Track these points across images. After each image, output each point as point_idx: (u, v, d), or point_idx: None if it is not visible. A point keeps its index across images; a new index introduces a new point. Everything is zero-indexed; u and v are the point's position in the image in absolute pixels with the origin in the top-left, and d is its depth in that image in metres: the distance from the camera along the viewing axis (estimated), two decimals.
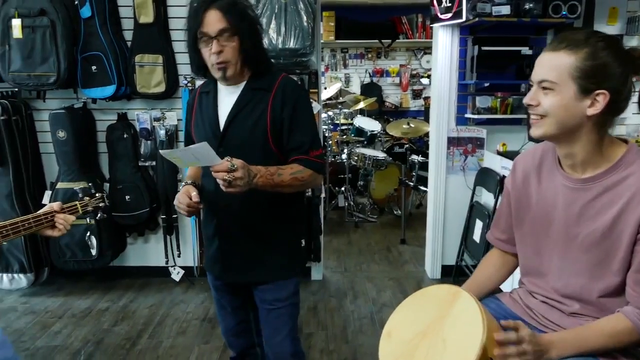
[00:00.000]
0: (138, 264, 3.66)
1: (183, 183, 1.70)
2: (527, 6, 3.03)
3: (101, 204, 1.88)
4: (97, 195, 1.88)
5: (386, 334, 1.30)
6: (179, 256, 3.55)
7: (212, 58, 1.53)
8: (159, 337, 2.90)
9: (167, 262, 3.56)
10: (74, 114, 3.26)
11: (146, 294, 3.45)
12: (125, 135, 3.36)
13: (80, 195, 1.84)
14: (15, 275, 3.31)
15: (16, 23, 2.99)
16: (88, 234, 3.26)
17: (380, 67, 7.35)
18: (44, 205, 1.74)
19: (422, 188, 4.59)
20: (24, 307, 3.28)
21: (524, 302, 1.40)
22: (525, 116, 3.25)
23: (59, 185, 3.28)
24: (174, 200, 1.65)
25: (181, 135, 3.40)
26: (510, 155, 3.08)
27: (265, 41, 3.02)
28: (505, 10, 3.01)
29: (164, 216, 3.46)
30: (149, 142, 3.39)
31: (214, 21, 1.51)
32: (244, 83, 1.64)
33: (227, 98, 1.66)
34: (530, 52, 3.17)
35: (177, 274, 3.58)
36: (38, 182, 3.41)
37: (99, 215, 1.90)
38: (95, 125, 3.44)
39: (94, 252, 3.28)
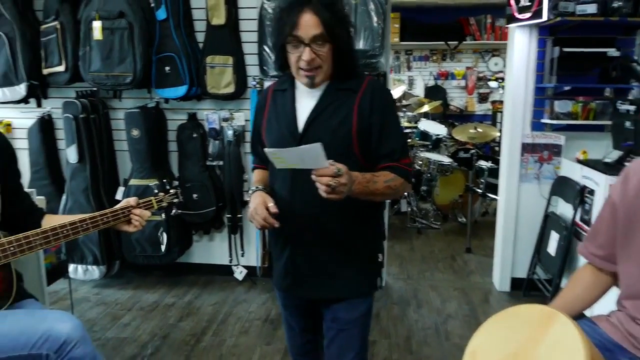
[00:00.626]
0: (203, 262, 3.72)
1: (252, 188, 1.59)
2: (615, 4, 2.82)
3: (175, 200, 1.89)
4: (171, 191, 1.89)
5: (470, 354, 1.21)
6: (242, 255, 3.57)
7: (301, 64, 1.42)
8: (222, 335, 2.92)
9: (230, 261, 3.60)
10: (147, 113, 3.34)
11: (210, 292, 3.49)
12: (194, 135, 3.41)
13: (155, 191, 1.86)
14: (89, 267, 3.44)
15: (97, 25, 3.10)
16: (161, 230, 3.33)
17: (445, 70, 7.16)
18: (118, 201, 1.77)
19: (491, 196, 4.40)
20: (96, 298, 3.40)
21: (625, 328, 1.27)
22: (609, 122, 3.03)
23: (132, 182, 3.38)
24: (249, 211, 1.52)
25: (248, 136, 3.42)
26: (592, 164, 2.88)
27: None
28: (591, 9, 2.82)
29: (229, 215, 3.49)
30: (217, 142, 3.43)
31: (309, 25, 1.38)
32: (327, 82, 1.52)
33: (306, 97, 1.53)
34: (617, 53, 2.95)
35: (240, 273, 3.60)
36: (112, 179, 3.52)
37: (173, 211, 1.91)
38: (167, 124, 3.52)
39: (163, 248, 3.35)
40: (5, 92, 3.25)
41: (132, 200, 1.72)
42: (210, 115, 3.42)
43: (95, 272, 3.44)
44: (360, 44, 3.10)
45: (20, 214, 1.64)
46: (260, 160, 1.73)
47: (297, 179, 1.48)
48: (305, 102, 1.54)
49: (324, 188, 1.29)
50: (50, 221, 1.65)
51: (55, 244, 1.55)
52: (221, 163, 3.44)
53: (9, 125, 3.56)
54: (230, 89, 3.25)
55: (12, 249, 1.43)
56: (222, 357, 2.70)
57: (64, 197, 3.42)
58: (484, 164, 4.68)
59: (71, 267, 3.42)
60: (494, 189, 4.20)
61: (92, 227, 1.62)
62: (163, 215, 3.12)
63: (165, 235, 3.33)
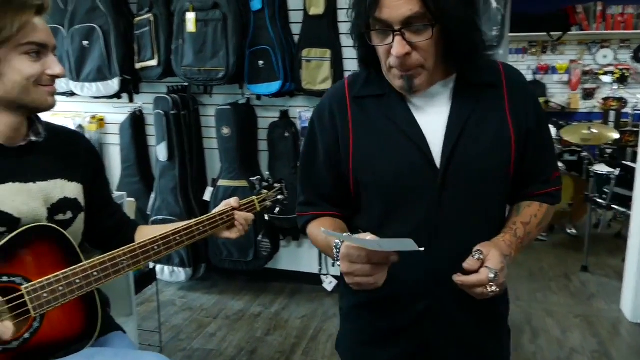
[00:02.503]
0: (290, 269, 3.46)
1: (337, 242, 0.96)
2: None
3: (280, 196, 1.59)
4: (275, 186, 1.59)
5: None
6: (332, 265, 3.27)
7: (392, 60, 0.97)
8: (313, 355, 2.63)
9: (320, 270, 3.31)
10: (238, 110, 3.11)
11: (298, 302, 3.22)
12: (286, 134, 3.15)
13: (256, 187, 1.56)
14: (176, 269, 3.28)
15: (190, 17, 2.90)
16: (261, 235, 3.10)
17: (546, 63, 6.47)
18: (206, 202, 1.52)
19: (619, 209, 3.76)
20: (181, 301, 3.24)
21: None
22: None
23: (220, 182, 3.17)
24: (342, 265, 0.92)
25: None
26: None
27: None
28: None
29: None
30: None
31: (399, 1, 0.92)
32: (450, 78, 1.06)
33: (426, 102, 1.06)
34: None
35: (329, 284, 3.30)
36: (201, 178, 3.34)
37: (277, 209, 1.61)
38: (257, 122, 3.28)
39: (266, 253, 3.13)
40: (99, 86, 3.14)
41: (233, 202, 1.44)
42: (303, 113, 3.13)
43: (181, 274, 3.28)
44: None
45: (112, 229, 1.41)
46: (326, 201, 1.17)
47: (440, 228, 1.05)
48: (428, 109, 1.06)
49: (481, 294, 0.93)
50: (143, 234, 1.42)
51: (145, 262, 1.30)
52: None
53: (102, 120, 3.47)
54: (327, 85, 2.94)
55: (95, 274, 1.19)
56: None
57: (152, 196, 3.28)
58: (603, 169, 4.06)
59: (158, 267, 3.27)
60: (621, 200, 3.61)
61: (187, 240, 1.37)
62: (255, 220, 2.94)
63: (268, 242, 3.10)
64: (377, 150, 1.07)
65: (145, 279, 2.45)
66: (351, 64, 3.01)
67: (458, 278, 0.94)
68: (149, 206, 3.27)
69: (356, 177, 1.10)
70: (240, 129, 3.10)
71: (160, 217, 3.19)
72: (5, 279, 1.09)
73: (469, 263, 0.95)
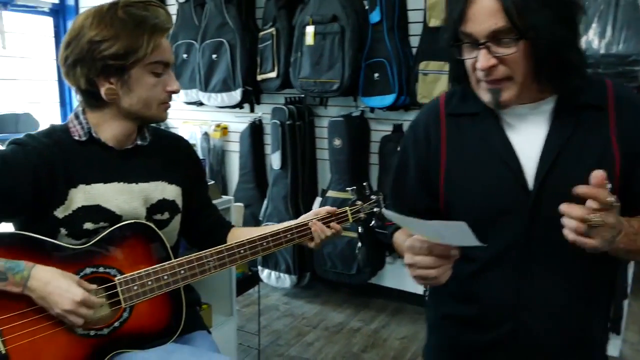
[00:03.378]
0: (394, 286, 3.35)
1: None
2: None
3: (375, 209, 1.53)
4: (372, 198, 1.53)
5: None
6: None
7: (478, 73, 0.97)
8: None
9: (425, 292, 3.14)
10: (351, 122, 3.10)
11: (399, 322, 3.10)
12: (398, 148, 3.05)
13: (352, 197, 1.51)
14: (281, 275, 3.35)
15: (309, 30, 2.96)
16: (357, 248, 3.06)
17: None
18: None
19: None
20: (284, 307, 3.29)
21: None
22: None
23: (329, 193, 3.17)
24: (405, 257, 0.95)
25: None
26: None
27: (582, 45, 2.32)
28: None
29: None
30: None
31: (483, 15, 0.91)
32: (550, 98, 1.01)
33: (524, 122, 1.02)
34: None
35: None
36: (311, 188, 3.38)
37: (373, 222, 1.54)
38: (370, 135, 3.24)
39: (361, 264, 3.07)
40: (224, 97, 3.34)
41: (322, 211, 1.41)
42: None
43: (286, 280, 3.34)
44: (620, 47, 2.38)
45: (208, 229, 1.46)
46: (414, 214, 1.05)
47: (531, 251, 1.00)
48: (522, 129, 1.02)
49: (576, 225, 0.80)
50: (234, 236, 1.45)
51: (231, 265, 1.32)
52: None
53: (225, 128, 3.68)
54: None
55: (182, 272, 1.23)
56: None
57: (265, 202, 3.39)
58: None
59: (265, 272, 3.37)
60: None
61: (274, 246, 1.36)
62: (358, 232, 2.88)
63: (364, 252, 3.04)
64: (468, 170, 1.07)
65: (248, 281, 2.52)
66: None
67: (579, 189, 0.82)
68: (261, 212, 3.39)
69: (446, 195, 1.10)
70: (352, 141, 3.08)
71: (270, 224, 3.29)
72: (102, 269, 1.17)
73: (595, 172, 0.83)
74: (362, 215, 1.50)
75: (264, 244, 1.35)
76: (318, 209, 1.45)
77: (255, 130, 3.49)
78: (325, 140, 3.25)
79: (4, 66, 3.92)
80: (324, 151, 3.34)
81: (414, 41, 2.97)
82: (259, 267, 3.37)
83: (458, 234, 0.84)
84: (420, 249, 0.89)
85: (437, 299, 0.96)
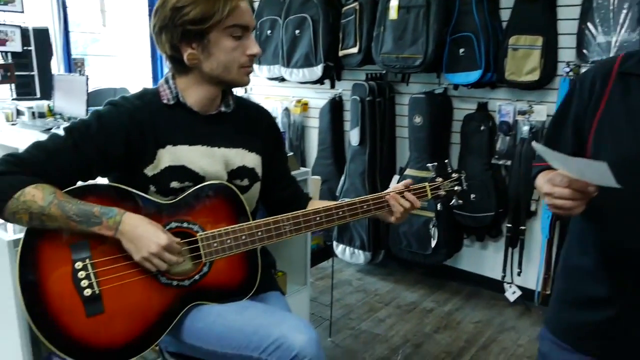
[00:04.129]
0: (470, 270, 3.26)
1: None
2: None
3: (457, 188, 1.48)
4: (453, 175, 1.48)
5: None
6: (518, 274, 2.97)
7: None
8: None
9: (503, 277, 3.03)
10: (433, 100, 3.02)
11: (473, 306, 3.01)
12: (482, 128, 2.94)
13: (432, 174, 1.48)
14: (356, 251, 3.37)
15: (393, 4, 2.90)
16: (431, 225, 3.00)
17: None
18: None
19: None
20: (357, 283, 3.31)
21: None
22: None
23: (407, 171, 3.12)
24: (545, 187, 1.03)
25: None
26: None
27: None
28: None
29: (509, 225, 2.92)
30: (507, 137, 2.88)
31: None
32: None
33: None
34: None
35: (512, 294, 3.01)
36: (389, 165, 3.35)
37: (453, 200, 1.50)
38: (452, 113, 3.14)
39: (433, 243, 3.01)
40: (305, 72, 3.36)
41: (402, 185, 1.39)
42: (503, 106, 2.88)
43: (360, 256, 3.35)
44: None
45: (286, 199, 1.49)
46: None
47: None
48: None
49: None
50: (313, 207, 1.46)
51: (306, 231, 1.34)
52: (509, 163, 2.88)
53: (305, 104, 3.73)
54: (534, 76, 2.65)
55: (259, 234, 1.27)
56: None
57: (342, 178, 3.40)
58: None
59: (340, 247, 3.40)
60: None
61: (350, 216, 1.36)
62: (435, 210, 2.82)
63: (436, 231, 2.97)
64: (621, 129, 1.06)
65: (322, 254, 2.56)
66: (566, 54, 2.66)
67: None
68: (338, 188, 3.41)
69: (595, 149, 1.10)
70: (433, 119, 3.00)
71: (346, 200, 3.30)
72: (185, 224, 1.23)
73: None
74: (441, 192, 1.46)
75: (340, 212, 1.36)
76: (397, 184, 1.43)
77: (335, 106, 3.50)
78: (405, 118, 3.19)
79: (103, 44, 4.21)
80: (403, 129, 3.28)
81: (505, 14, 2.81)
82: (334, 242, 3.40)
83: (598, 173, 0.89)
84: (561, 181, 0.97)
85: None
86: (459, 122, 3.06)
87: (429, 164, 1.51)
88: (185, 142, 1.27)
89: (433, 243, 3.01)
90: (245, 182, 1.35)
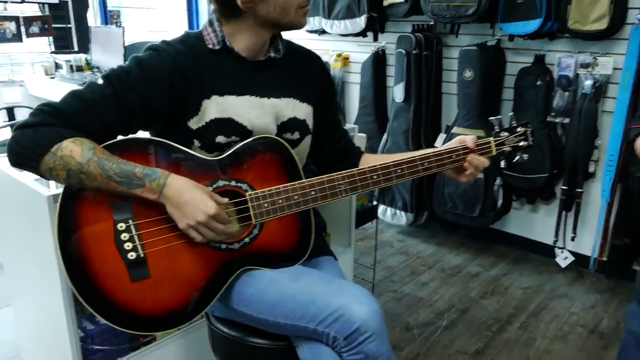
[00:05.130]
0: (519, 234, 3.09)
1: None
2: None
3: (522, 143, 1.33)
4: (518, 130, 1.33)
5: None
6: (572, 239, 2.79)
7: None
8: (532, 331, 2.31)
9: (555, 242, 2.86)
10: (485, 52, 2.78)
11: (522, 271, 2.87)
12: (538, 82, 2.71)
13: (495, 128, 1.33)
14: (397, 212, 3.23)
15: None
16: (496, 185, 2.81)
17: None
18: (435, 147, 1.34)
19: None
20: (399, 244, 3.20)
21: None
22: None
23: (455, 129, 2.93)
24: None
25: (612, 89, 2.53)
26: None
27: None
28: None
29: (564, 187, 2.72)
30: (566, 93, 2.65)
31: None
32: None
33: None
34: None
35: (563, 259, 2.84)
36: (434, 123, 3.15)
37: (517, 157, 1.36)
38: (505, 67, 2.90)
39: (499, 203, 2.84)
40: (347, 24, 3.16)
41: (468, 140, 1.25)
42: (564, 59, 2.63)
43: (402, 218, 3.22)
44: None
45: (338, 153, 1.36)
46: None
47: None
48: None
49: None
50: (367, 162, 1.35)
51: (363, 191, 1.21)
52: (566, 121, 2.66)
53: (346, 58, 3.53)
54: (602, 25, 2.39)
55: (313, 193, 1.14)
56: None
57: (384, 136, 3.24)
58: None
59: (380, 207, 3.27)
60: None
61: (409, 174, 1.23)
62: (500, 167, 2.67)
63: (501, 191, 2.79)
64: None
65: (367, 214, 2.44)
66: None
67: None
68: (380, 146, 3.25)
69: None
70: (485, 73, 2.78)
71: (406, 155, 3.14)
72: (233, 183, 1.12)
73: None
74: (506, 148, 1.32)
75: (398, 170, 1.22)
76: (463, 137, 1.28)
77: (378, 60, 3.29)
78: (453, 73, 2.98)
79: None
80: (450, 85, 3.07)
81: None
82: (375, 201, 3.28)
83: None
84: None
85: None
86: (512, 77, 2.83)
87: (492, 117, 1.36)
88: (232, 92, 1.14)
89: (499, 203, 2.83)
90: (296, 135, 1.22)
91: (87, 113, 1.01)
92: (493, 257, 3.03)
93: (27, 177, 1.36)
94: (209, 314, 1.27)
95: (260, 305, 1.11)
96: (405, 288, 2.68)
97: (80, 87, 1.05)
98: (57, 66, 3.33)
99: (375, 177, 1.20)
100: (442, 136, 3.07)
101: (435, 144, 3.08)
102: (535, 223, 3.01)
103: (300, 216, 1.18)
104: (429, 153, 1.23)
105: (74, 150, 0.97)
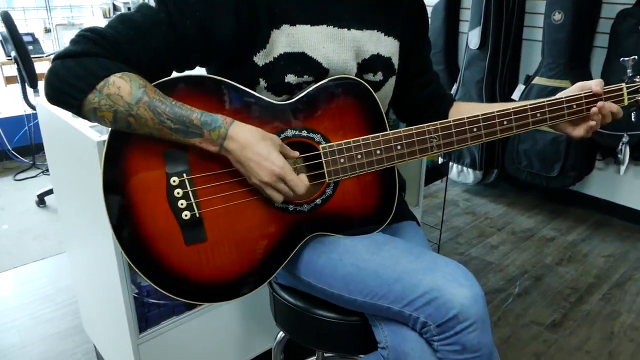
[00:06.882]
0: (601, 196, 2.75)
1: None
2: None
3: None
4: None
5: None
6: None
7: None
8: (616, 304, 2.04)
9: None
10: None
11: (603, 237, 2.56)
12: None
13: (628, 71, 1.06)
14: (464, 169, 2.96)
15: None
16: (621, 144, 2.39)
17: None
18: (514, 101, 1.08)
19: None
20: (465, 204, 2.94)
21: None
22: None
23: (536, 80, 2.58)
24: None
25: None
26: None
27: None
28: None
29: None
30: None
31: None
32: None
33: None
34: None
35: None
36: (512, 73, 2.80)
37: None
38: (600, 9, 2.49)
39: (623, 169, 2.46)
40: None
41: (594, 85, 0.98)
42: None
43: (469, 176, 2.94)
44: None
45: (424, 101, 1.12)
46: None
47: None
48: None
49: None
50: (460, 110, 1.10)
51: (458, 146, 0.97)
52: None
53: None
54: None
55: (399, 147, 0.92)
56: (613, 337, 1.86)
57: (454, 87, 2.92)
58: None
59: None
60: None
61: (517, 127, 0.98)
62: (633, 118, 2.31)
63: (627, 150, 2.40)
64: None
65: (436, 172, 2.19)
66: None
67: None
68: None
69: None
70: (578, 16, 2.38)
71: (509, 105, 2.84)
72: (304, 133, 0.91)
73: None
74: None
75: (505, 122, 0.97)
76: (585, 82, 1.00)
77: (452, 3, 2.93)
78: (536, 16, 2.59)
79: None
80: (532, 30, 2.68)
81: None
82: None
83: None
84: None
85: None
86: (608, 21, 2.42)
87: (624, 58, 1.07)
88: (306, 21, 0.91)
89: (622, 169, 2.45)
90: (379, 76, 0.99)
91: (137, 41, 0.81)
92: (570, 221, 2.72)
93: (79, 120, 1.21)
94: (272, 280, 1.10)
95: (332, 279, 0.92)
96: (473, 251, 2.45)
97: (129, 12, 0.85)
98: (115, 8, 3.20)
99: (475, 129, 0.95)
100: (520, 87, 2.72)
101: (513, 96, 2.74)
102: (621, 185, 2.65)
103: (382, 174, 0.96)
104: (542, 102, 0.97)
105: (122, 87, 0.78)
